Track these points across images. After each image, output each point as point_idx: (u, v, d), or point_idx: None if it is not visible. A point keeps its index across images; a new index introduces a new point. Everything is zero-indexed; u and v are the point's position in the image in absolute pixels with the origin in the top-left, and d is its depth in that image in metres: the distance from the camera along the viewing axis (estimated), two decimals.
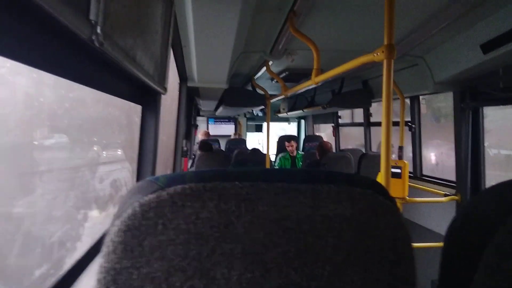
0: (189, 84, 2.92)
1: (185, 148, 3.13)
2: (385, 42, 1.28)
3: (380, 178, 1.34)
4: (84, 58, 0.73)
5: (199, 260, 0.37)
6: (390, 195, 0.41)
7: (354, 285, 0.39)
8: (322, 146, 4.08)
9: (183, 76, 2.82)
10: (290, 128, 8.38)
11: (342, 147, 5.62)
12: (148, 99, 1.40)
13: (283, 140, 5.61)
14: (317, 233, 0.38)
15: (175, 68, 2.54)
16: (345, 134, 5.91)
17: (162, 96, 1.49)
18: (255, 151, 4.88)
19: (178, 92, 2.96)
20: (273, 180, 0.39)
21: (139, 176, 1.46)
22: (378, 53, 1.32)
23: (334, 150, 5.42)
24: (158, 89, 1.32)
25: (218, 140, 7.05)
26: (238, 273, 0.37)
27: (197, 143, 6.43)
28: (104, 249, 0.37)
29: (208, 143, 4.52)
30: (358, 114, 5.07)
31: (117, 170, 2.75)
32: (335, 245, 0.38)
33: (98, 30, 0.59)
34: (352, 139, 5.79)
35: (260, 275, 0.37)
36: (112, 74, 0.95)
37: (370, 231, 0.39)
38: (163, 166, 2.71)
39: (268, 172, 0.40)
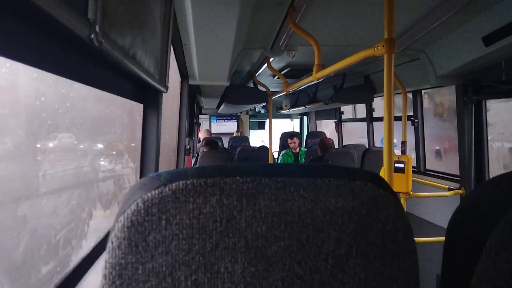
0: (191, 82, 2.92)
1: (187, 146, 3.14)
2: (385, 36, 1.27)
3: (383, 173, 1.34)
4: (84, 57, 0.73)
5: (203, 255, 0.37)
6: (391, 188, 0.41)
7: (357, 278, 0.39)
8: (324, 142, 4.08)
9: (184, 74, 2.83)
10: (292, 125, 8.38)
11: (346, 142, 5.62)
12: (149, 98, 1.40)
13: (286, 137, 5.61)
14: (319, 227, 0.38)
15: (176, 66, 2.54)
16: (349, 129, 5.90)
17: (164, 94, 1.50)
18: (261, 148, 4.88)
19: (179, 90, 2.96)
20: (274, 174, 0.39)
21: (142, 174, 1.46)
22: (379, 48, 1.31)
23: (337, 146, 5.42)
24: (159, 87, 1.32)
25: (221, 138, 7.07)
26: (242, 266, 0.38)
27: (198, 141, 6.45)
28: (109, 245, 0.38)
29: (215, 141, 4.50)
30: (361, 110, 5.06)
31: None
32: (337, 238, 0.39)
33: (97, 29, 0.59)
34: (355, 135, 5.78)
35: (263, 269, 0.38)
36: (112, 73, 0.95)
37: (371, 224, 0.39)
38: (166, 164, 2.71)
39: (269, 167, 0.41)
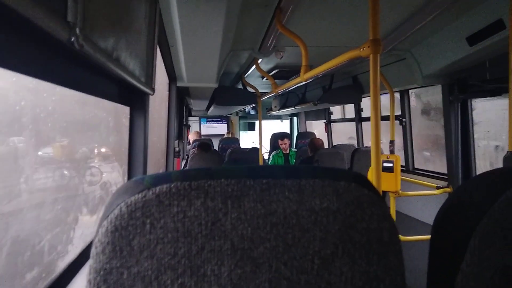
0: (179, 84, 2.91)
1: (177, 149, 3.12)
2: (371, 37, 1.28)
3: (371, 172, 1.35)
4: (66, 60, 0.72)
5: (189, 258, 0.37)
6: (375, 187, 0.41)
7: (343, 277, 0.39)
8: (314, 143, 4.10)
9: (172, 75, 2.81)
10: (282, 126, 8.41)
11: (335, 143, 5.65)
12: (135, 100, 1.39)
13: (277, 138, 5.62)
14: (304, 227, 0.38)
15: (164, 68, 2.52)
16: (338, 130, 5.94)
17: (151, 96, 1.48)
18: (252, 150, 4.87)
19: (167, 92, 2.94)
20: (259, 176, 0.39)
21: (130, 177, 1.45)
22: (364, 48, 1.32)
23: (326, 146, 5.45)
24: (146, 89, 1.31)
25: (211, 140, 7.05)
26: (228, 269, 0.38)
27: (188, 144, 6.41)
28: (93, 250, 0.37)
29: (207, 143, 4.44)
30: (350, 110, 5.10)
31: None
32: (322, 238, 0.39)
33: (77, 32, 0.58)
34: (345, 135, 5.83)
35: (250, 271, 0.38)
36: (96, 76, 0.93)
37: (356, 224, 0.39)
38: (156, 167, 2.69)
39: (254, 169, 0.40)
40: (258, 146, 4.17)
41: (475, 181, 0.46)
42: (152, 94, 1.44)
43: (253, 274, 0.38)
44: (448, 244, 0.44)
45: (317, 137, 5.41)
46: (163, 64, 2.41)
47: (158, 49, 1.62)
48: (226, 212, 0.38)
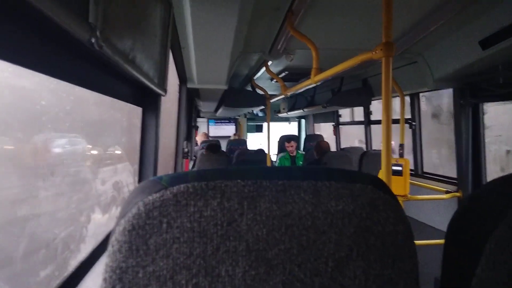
0: (189, 85, 2.92)
1: (186, 150, 3.14)
2: (383, 40, 1.28)
3: (381, 176, 1.34)
4: (84, 61, 0.73)
5: (204, 258, 0.37)
6: (391, 190, 0.41)
7: (357, 280, 0.39)
8: (320, 146, 4.08)
9: (182, 77, 2.83)
10: (290, 128, 8.38)
11: (343, 146, 5.62)
12: (148, 101, 1.40)
13: (284, 140, 5.61)
14: (319, 229, 0.39)
15: (175, 69, 2.54)
16: (346, 132, 5.91)
17: (162, 98, 1.50)
18: (258, 152, 4.87)
19: (178, 94, 2.96)
20: (275, 177, 0.39)
21: (140, 177, 1.46)
22: (377, 51, 1.32)
23: (335, 149, 5.43)
24: (158, 90, 1.32)
25: (219, 141, 7.05)
26: (243, 270, 0.38)
27: (196, 145, 6.42)
28: (110, 249, 0.38)
29: (216, 144, 4.43)
30: (359, 113, 5.07)
31: None
32: (337, 241, 0.39)
33: (98, 33, 0.59)
34: (353, 138, 5.79)
35: (264, 272, 0.38)
36: (112, 77, 0.95)
37: (372, 226, 0.39)
38: (164, 167, 2.71)
39: (270, 170, 0.41)
40: (264, 147, 4.16)
41: (490, 186, 0.46)
42: (165, 95, 1.45)
43: (267, 275, 0.38)
44: (462, 249, 0.44)
45: (324, 140, 5.39)
46: (174, 66, 2.43)
47: (170, 51, 1.63)
48: (242, 213, 0.38)
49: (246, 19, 1.72)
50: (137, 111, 1.42)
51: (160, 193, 0.37)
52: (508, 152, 2.80)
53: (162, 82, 1.40)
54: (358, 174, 0.41)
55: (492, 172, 2.73)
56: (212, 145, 4.24)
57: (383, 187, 0.40)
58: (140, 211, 0.37)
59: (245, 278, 0.38)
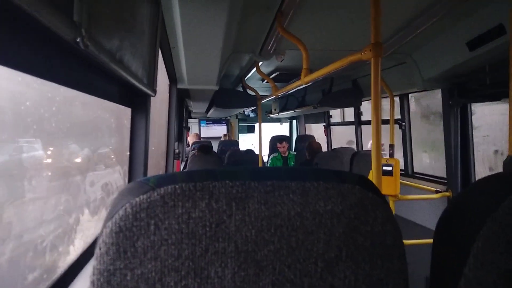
0: (179, 85, 2.91)
1: (177, 151, 3.12)
2: (372, 41, 1.29)
3: (372, 176, 1.35)
4: (70, 60, 0.72)
5: (193, 260, 0.37)
6: (379, 190, 0.41)
7: (347, 281, 0.39)
8: (312, 146, 4.09)
9: (172, 77, 2.81)
10: (281, 129, 8.41)
11: (334, 146, 5.65)
12: (137, 102, 1.39)
13: (275, 141, 5.63)
14: (308, 230, 0.38)
15: (165, 70, 2.53)
16: (337, 133, 5.95)
17: (152, 98, 1.48)
18: (248, 152, 4.87)
19: (168, 94, 2.94)
20: (263, 178, 0.39)
21: (130, 179, 1.45)
22: (366, 52, 1.33)
23: (326, 150, 5.45)
24: (147, 91, 1.31)
25: (210, 142, 7.03)
26: (232, 271, 0.38)
27: (187, 146, 6.40)
28: (97, 251, 0.37)
29: (208, 145, 4.40)
30: (349, 113, 5.10)
31: None
32: (327, 241, 0.39)
33: (83, 32, 0.58)
34: (344, 139, 5.83)
35: (253, 273, 0.38)
36: (99, 77, 0.93)
37: (360, 226, 0.39)
38: (155, 169, 2.69)
39: (258, 171, 0.40)
40: (255, 148, 4.16)
41: (478, 185, 0.46)
42: (154, 96, 1.44)
43: (257, 276, 0.38)
44: (451, 249, 0.44)
45: (316, 140, 5.42)
46: (163, 66, 2.41)
47: (159, 51, 1.62)
48: (231, 214, 0.38)
49: (236, 19, 1.72)
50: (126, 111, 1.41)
51: (148, 194, 0.37)
52: (496, 152, 2.85)
53: (151, 82, 1.39)
54: (346, 174, 0.41)
55: (481, 171, 2.77)
56: (203, 146, 4.22)
57: (371, 187, 0.40)
58: (127, 212, 0.37)
59: (235, 279, 0.38)
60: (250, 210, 0.38)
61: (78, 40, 0.57)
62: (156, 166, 2.70)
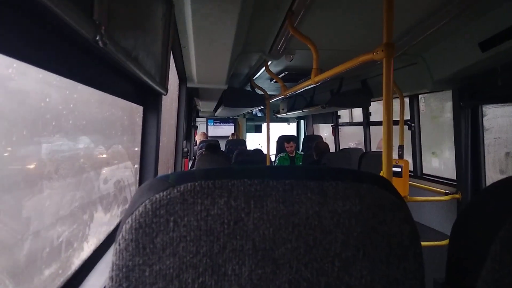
0: (189, 84, 2.92)
1: (185, 149, 3.13)
2: (384, 41, 1.28)
3: None
4: (87, 58, 0.73)
5: (210, 257, 0.37)
6: (397, 191, 0.41)
7: (363, 280, 0.39)
8: (319, 146, 4.08)
9: (182, 76, 2.83)
10: (289, 128, 8.39)
11: (342, 147, 5.62)
12: (149, 100, 1.40)
13: (283, 141, 5.62)
14: (326, 229, 0.39)
15: (175, 69, 2.54)
16: (345, 134, 5.92)
17: (163, 97, 1.49)
18: (255, 151, 4.87)
19: (177, 93, 2.96)
20: (282, 177, 0.39)
21: (141, 176, 1.46)
22: (378, 52, 1.32)
23: (334, 150, 5.43)
24: (159, 89, 1.32)
25: (218, 141, 7.04)
26: (249, 269, 0.38)
27: (195, 144, 6.42)
28: (116, 247, 0.37)
29: (215, 144, 4.41)
30: (357, 114, 5.08)
31: None
32: (344, 240, 0.39)
33: (102, 31, 0.59)
34: (352, 139, 5.80)
35: (270, 271, 0.38)
36: (115, 75, 0.95)
37: (378, 227, 0.39)
38: (164, 167, 2.70)
39: (277, 169, 0.41)
40: (263, 148, 4.15)
41: (495, 188, 0.46)
42: (165, 94, 1.45)
43: (273, 274, 0.38)
44: (468, 251, 0.44)
45: (323, 140, 5.39)
46: (174, 65, 2.43)
47: (171, 50, 1.63)
48: (249, 212, 0.38)
49: (246, 18, 1.72)
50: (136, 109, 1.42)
51: (167, 191, 0.37)
52: (507, 154, 2.81)
53: (163, 81, 1.40)
54: (364, 174, 0.41)
55: (492, 174, 2.73)
56: (211, 145, 4.23)
57: (390, 188, 0.41)
58: (147, 209, 0.37)
59: (252, 277, 0.38)
60: (268, 208, 0.38)
61: (97, 38, 0.58)
62: (165, 164, 2.71)
